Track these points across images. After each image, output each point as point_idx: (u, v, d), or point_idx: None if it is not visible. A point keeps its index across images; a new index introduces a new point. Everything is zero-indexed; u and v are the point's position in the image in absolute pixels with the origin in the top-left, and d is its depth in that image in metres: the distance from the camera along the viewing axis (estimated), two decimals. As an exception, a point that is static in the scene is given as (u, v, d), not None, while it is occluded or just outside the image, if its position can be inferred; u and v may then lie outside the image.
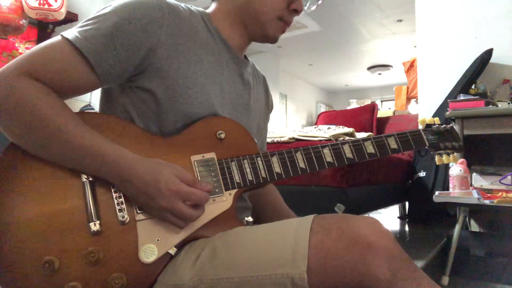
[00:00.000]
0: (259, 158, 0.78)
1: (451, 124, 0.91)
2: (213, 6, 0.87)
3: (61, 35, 0.69)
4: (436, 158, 0.91)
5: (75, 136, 0.65)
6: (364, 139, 0.83)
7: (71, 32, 0.68)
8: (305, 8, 0.88)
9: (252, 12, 0.81)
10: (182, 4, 0.81)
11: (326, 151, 0.81)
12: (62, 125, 0.64)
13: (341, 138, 1.97)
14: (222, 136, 0.77)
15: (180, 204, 0.65)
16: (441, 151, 0.90)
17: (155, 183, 0.64)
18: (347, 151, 0.81)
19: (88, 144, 0.65)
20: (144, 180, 0.64)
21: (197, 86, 0.76)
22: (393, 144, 0.83)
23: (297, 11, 0.83)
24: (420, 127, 0.90)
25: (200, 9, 0.85)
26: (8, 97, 0.63)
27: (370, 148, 0.82)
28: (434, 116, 2.46)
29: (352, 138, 2.01)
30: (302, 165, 0.79)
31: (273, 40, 0.86)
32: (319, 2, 0.90)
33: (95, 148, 0.65)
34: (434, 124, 0.90)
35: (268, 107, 1.04)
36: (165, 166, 0.67)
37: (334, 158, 0.80)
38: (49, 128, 0.64)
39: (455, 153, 0.91)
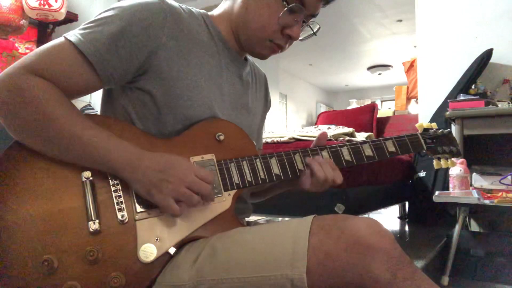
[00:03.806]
0: (258, 160, 0.78)
1: (448, 129, 0.92)
2: (219, 7, 0.87)
3: (64, 37, 0.69)
4: (435, 162, 0.92)
5: (82, 129, 0.65)
6: (363, 142, 0.84)
7: (74, 34, 0.69)
8: (301, 38, 0.85)
9: (245, 26, 0.81)
10: (183, 6, 0.81)
11: (324, 153, 0.82)
12: (69, 119, 0.65)
13: (341, 138, 1.97)
14: (221, 138, 0.77)
15: (195, 177, 0.66)
16: (439, 155, 0.91)
17: (168, 159, 0.67)
18: (346, 154, 0.82)
19: (97, 136, 0.66)
20: (157, 159, 0.66)
21: (197, 89, 0.76)
22: (391, 147, 0.84)
23: (291, 37, 0.81)
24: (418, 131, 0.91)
25: (202, 11, 0.85)
26: (16, 95, 0.64)
27: (368, 151, 0.83)
28: (434, 115, 2.48)
29: (352, 138, 2.02)
30: (300, 166, 0.80)
31: (260, 57, 0.85)
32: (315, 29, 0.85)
33: (104, 141, 0.66)
34: (432, 129, 0.91)
35: (266, 106, 1.04)
36: (170, 154, 0.69)
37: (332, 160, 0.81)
38: (56, 123, 0.64)
39: (453, 158, 0.92)
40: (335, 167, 0.81)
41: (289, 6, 0.76)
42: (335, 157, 0.82)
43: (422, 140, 0.87)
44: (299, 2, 0.77)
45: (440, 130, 0.91)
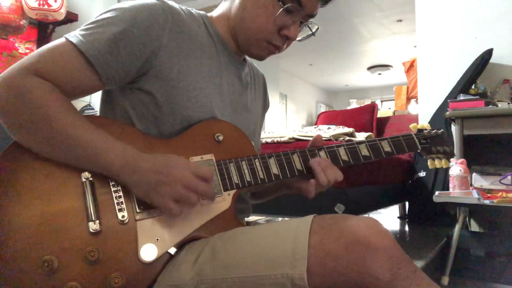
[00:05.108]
0: (256, 160, 0.78)
1: (441, 130, 0.93)
2: (218, 8, 0.87)
3: (66, 38, 0.69)
4: (429, 162, 0.94)
5: (82, 131, 0.65)
6: (359, 142, 0.85)
7: (75, 35, 0.69)
8: (299, 38, 0.85)
9: (242, 27, 0.81)
10: (183, 7, 0.81)
11: (322, 153, 0.82)
12: (69, 121, 0.65)
13: (341, 138, 1.97)
14: (220, 138, 0.77)
15: (192, 175, 0.65)
16: (433, 155, 0.92)
17: (166, 160, 0.66)
18: (343, 154, 0.83)
19: (96, 138, 0.65)
20: (154, 161, 0.66)
21: (197, 90, 0.77)
22: (386, 147, 0.86)
23: (288, 38, 0.81)
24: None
25: (202, 12, 0.86)
26: (16, 96, 0.64)
27: (364, 151, 0.84)
28: (434, 115, 2.48)
29: (352, 138, 2.02)
30: (298, 166, 0.80)
31: (257, 58, 0.86)
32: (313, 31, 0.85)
33: (103, 143, 0.65)
34: (426, 129, 0.92)
35: (265, 106, 1.05)
36: (169, 155, 0.69)
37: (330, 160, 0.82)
38: (56, 124, 0.64)
39: (450, 159, 0.93)
40: (333, 166, 0.81)
41: (285, 6, 0.76)
42: (332, 157, 0.83)
43: (416, 140, 0.89)
44: (296, 2, 0.77)
45: (434, 131, 0.92)
